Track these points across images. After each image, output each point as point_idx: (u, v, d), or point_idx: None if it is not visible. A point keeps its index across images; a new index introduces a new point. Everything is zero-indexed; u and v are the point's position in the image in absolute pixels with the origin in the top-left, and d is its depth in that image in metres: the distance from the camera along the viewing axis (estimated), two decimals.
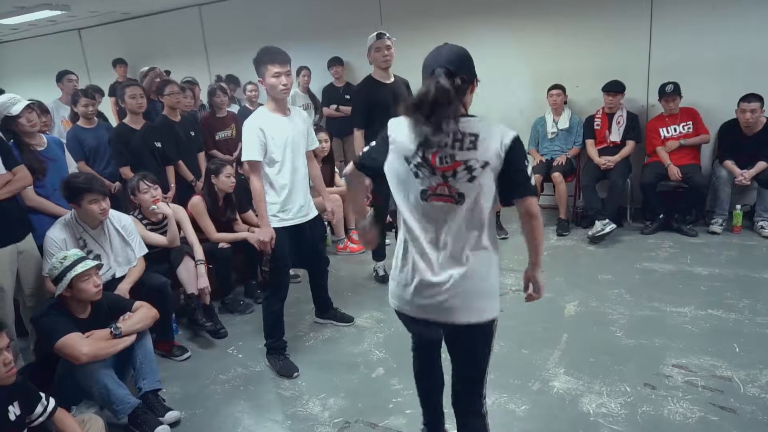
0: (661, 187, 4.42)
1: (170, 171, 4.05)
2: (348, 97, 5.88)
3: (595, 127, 4.72)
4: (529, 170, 1.78)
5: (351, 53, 5.99)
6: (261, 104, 5.82)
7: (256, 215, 3.79)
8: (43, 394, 2.04)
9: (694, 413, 2.25)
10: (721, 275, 3.54)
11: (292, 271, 3.43)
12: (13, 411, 1.91)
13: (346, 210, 4.59)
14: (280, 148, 2.65)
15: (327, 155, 4.54)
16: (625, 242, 4.31)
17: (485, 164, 1.53)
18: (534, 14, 5.07)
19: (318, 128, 4.56)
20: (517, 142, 1.55)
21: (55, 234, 2.75)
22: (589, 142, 4.74)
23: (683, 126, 4.40)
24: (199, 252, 3.31)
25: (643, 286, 3.49)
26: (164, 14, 7.23)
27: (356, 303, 3.55)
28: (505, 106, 5.17)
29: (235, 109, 5.56)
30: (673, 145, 4.38)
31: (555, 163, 4.73)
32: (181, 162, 4.15)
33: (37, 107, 3.56)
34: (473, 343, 1.75)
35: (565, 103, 4.88)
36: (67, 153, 3.41)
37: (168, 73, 5.69)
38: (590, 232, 4.33)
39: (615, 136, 4.64)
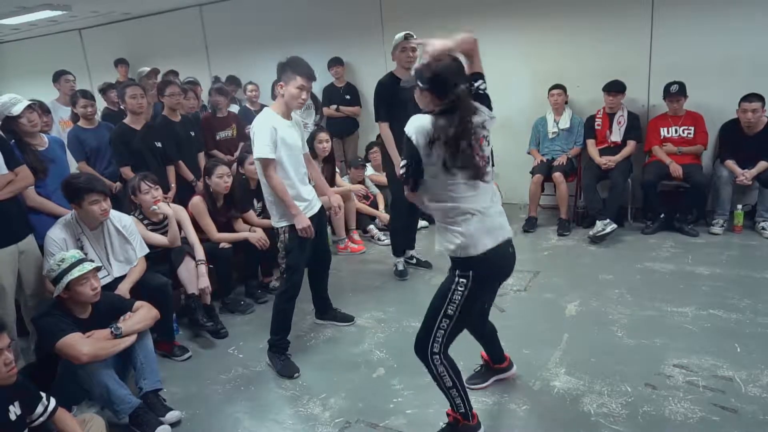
0: (662, 186, 4.42)
1: (171, 171, 4.05)
2: (348, 97, 5.89)
3: (596, 127, 4.72)
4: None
5: (351, 53, 5.99)
6: (262, 104, 5.87)
7: (256, 216, 3.84)
8: (43, 394, 2.05)
9: (695, 413, 2.24)
10: (723, 275, 3.54)
11: None
12: (14, 411, 1.91)
13: (346, 210, 4.59)
14: (287, 147, 2.71)
15: (328, 155, 4.53)
16: (626, 242, 4.30)
17: None
18: (535, 14, 5.06)
19: (319, 128, 4.57)
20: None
21: (56, 234, 2.75)
22: (590, 142, 4.73)
23: (684, 129, 4.39)
24: (199, 252, 3.31)
25: (644, 286, 3.48)
26: (165, 14, 7.23)
27: (357, 303, 3.55)
28: (505, 106, 5.16)
29: (235, 109, 5.56)
30: (672, 149, 4.37)
31: (556, 163, 4.72)
32: (181, 162, 4.16)
33: (38, 107, 3.56)
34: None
35: (566, 102, 4.87)
36: (68, 153, 3.41)
37: (176, 73, 5.69)
38: (591, 232, 4.33)
39: (616, 136, 4.63)
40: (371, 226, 4.89)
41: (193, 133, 4.39)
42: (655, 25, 4.62)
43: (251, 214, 3.83)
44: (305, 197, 2.83)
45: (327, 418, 2.43)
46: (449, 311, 1.98)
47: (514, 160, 5.08)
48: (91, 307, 2.46)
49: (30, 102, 3.07)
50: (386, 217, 4.64)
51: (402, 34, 3.56)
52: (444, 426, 2.20)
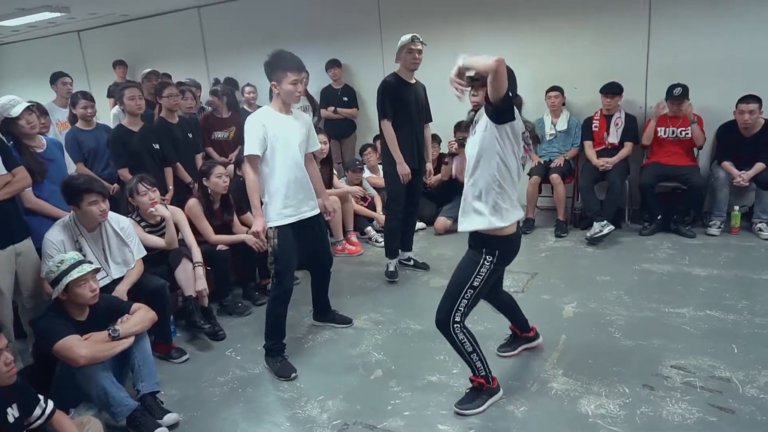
0: (659, 188, 4.43)
1: (168, 173, 4.06)
2: (346, 99, 5.90)
3: (594, 128, 4.73)
4: None
5: (349, 55, 6.00)
6: (260, 106, 5.87)
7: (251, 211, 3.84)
8: (41, 397, 2.04)
9: (693, 414, 2.25)
10: (720, 276, 3.55)
11: None
12: (12, 413, 1.91)
13: (344, 211, 4.60)
14: (281, 144, 2.71)
15: (326, 157, 4.54)
16: (624, 243, 4.31)
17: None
18: (532, 16, 5.07)
19: (317, 130, 4.57)
20: None
21: (54, 236, 2.75)
22: (588, 144, 4.75)
23: (681, 131, 4.40)
24: (197, 254, 3.31)
25: (642, 287, 3.49)
26: (163, 16, 7.24)
27: (354, 305, 3.55)
28: None
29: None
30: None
31: (553, 165, 4.73)
32: (179, 164, 4.16)
33: (37, 109, 3.57)
34: None
35: (564, 104, 4.88)
36: (66, 154, 3.41)
37: (168, 76, 5.68)
38: (589, 234, 4.34)
39: (613, 137, 4.64)
40: (369, 228, 4.89)
41: (191, 135, 4.40)
42: (653, 27, 4.64)
43: (249, 216, 3.83)
44: (293, 201, 2.77)
45: (325, 420, 2.43)
46: (475, 283, 2.25)
47: None
48: (88, 309, 2.46)
49: (29, 104, 3.07)
50: (384, 218, 4.64)
51: (409, 36, 3.58)
52: (468, 390, 2.42)
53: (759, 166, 4.12)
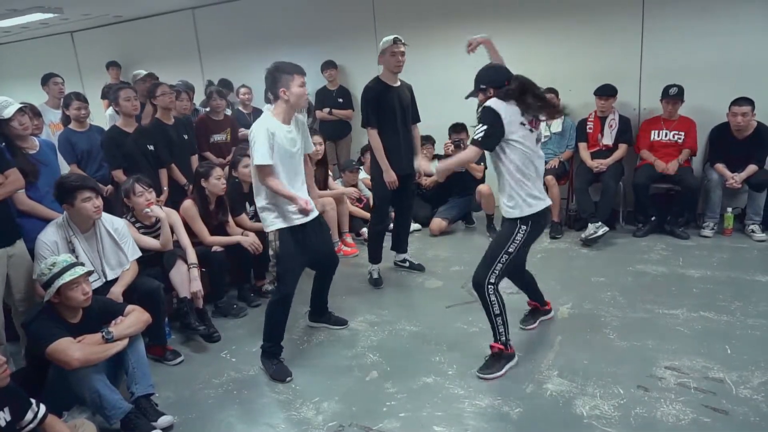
0: (653, 189, 4.46)
1: (163, 174, 4.03)
2: (341, 100, 5.90)
3: (588, 130, 4.75)
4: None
5: (344, 56, 6.00)
6: (255, 107, 5.87)
7: (248, 220, 3.83)
8: (33, 401, 2.02)
9: (687, 415, 2.26)
10: (713, 277, 3.57)
11: None
12: (3, 417, 1.89)
13: (339, 213, 4.59)
14: (285, 153, 2.69)
15: (321, 158, 4.54)
16: (618, 245, 4.33)
17: None
18: (526, 18, 5.10)
19: (312, 131, 4.56)
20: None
21: (47, 237, 2.73)
22: (582, 146, 4.77)
23: (674, 134, 4.43)
24: (192, 255, 3.30)
25: (636, 288, 3.50)
26: (157, 17, 7.21)
27: (350, 306, 3.55)
28: None
29: (227, 112, 5.54)
30: (673, 167, 4.35)
31: (548, 167, 4.74)
32: (173, 165, 4.14)
33: (30, 110, 3.54)
34: None
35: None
36: (59, 156, 3.39)
37: (156, 78, 5.65)
38: (583, 235, 4.35)
39: (607, 139, 4.67)
40: (364, 229, 4.88)
41: (186, 136, 4.37)
42: (646, 30, 4.67)
43: (244, 218, 3.82)
44: (294, 206, 2.74)
45: (320, 422, 2.42)
46: (510, 249, 2.58)
47: None
48: (82, 311, 2.44)
49: (21, 105, 3.05)
50: None
51: (391, 37, 3.51)
52: (488, 358, 2.68)
53: (751, 168, 4.15)
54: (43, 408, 2.04)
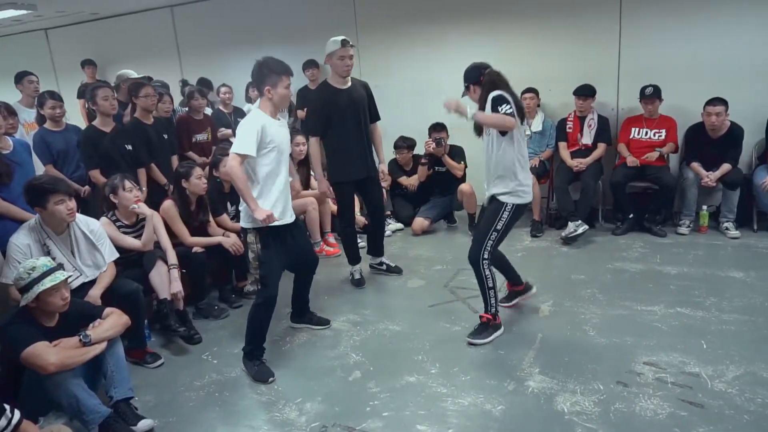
0: (630, 188, 4.53)
1: (141, 174, 3.97)
2: None
3: (567, 130, 4.81)
4: None
5: (324, 56, 5.96)
6: (236, 107, 5.80)
7: (230, 220, 3.79)
8: (7, 406, 1.97)
9: (665, 409, 2.30)
10: (689, 274, 3.64)
11: None
12: None
13: (321, 212, 4.57)
14: (274, 149, 2.69)
15: (303, 158, 4.52)
16: (598, 243, 4.39)
17: None
18: (507, 19, 5.14)
19: (295, 131, 4.54)
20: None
21: (19, 240, 2.67)
22: (562, 145, 4.82)
23: (654, 133, 4.51)
24: (172, 256, 3.25)
25: (615, 285, 3.56)
26: (135, 15, 7.10)
27: (332, 306, 3.54)
28: None
29: (208, 112, 5.48)
30: (653, 157, 4.44)
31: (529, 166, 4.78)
32: (153, 165, 4.08)
33: (4, 109, 3.46)
34: None
35: (539, 106, 4.96)
36: (34, 156, 3.31)
37: (150, 79, 5.56)
38: (563, 234, 4.41)
39: (587, 138, 4.73)
40: None
41: (166, 136, 4.31)
42: (624, 32, 4.74)
43: (225, 218, 3.79)
44: (278, 206, 2.73)
45: (303, 422, 2.41)
46: (498, 226, 2.85)
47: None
48: (58, 314, 2.39)
49: None
50: (362, 219, 4.64)
51: (339, 39, 3.41)
52: (477, 326, 2.95)
53: (725, 166, 4.24)
54: (17, 413, 1.98)
